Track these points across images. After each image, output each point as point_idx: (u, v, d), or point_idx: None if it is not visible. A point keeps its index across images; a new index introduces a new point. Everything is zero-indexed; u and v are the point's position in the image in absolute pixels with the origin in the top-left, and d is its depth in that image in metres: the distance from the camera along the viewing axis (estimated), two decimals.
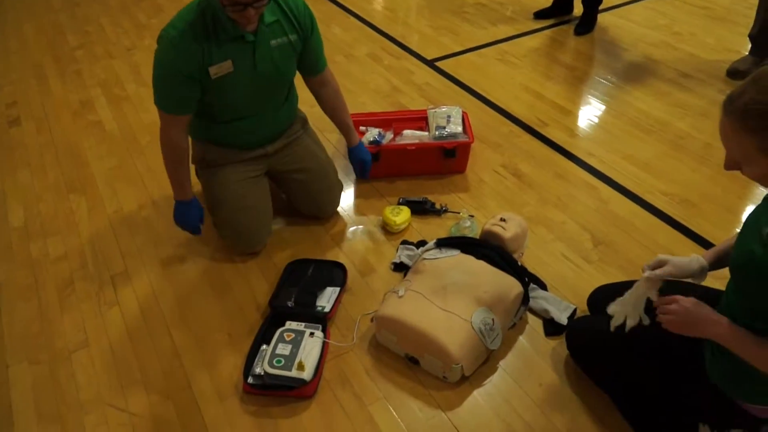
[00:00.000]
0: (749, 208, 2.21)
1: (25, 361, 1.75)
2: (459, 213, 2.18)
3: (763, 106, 1.03)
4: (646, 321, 1.34)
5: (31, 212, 2.30)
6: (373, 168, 2.25)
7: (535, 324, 1.80)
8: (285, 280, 1.93)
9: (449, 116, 2.41)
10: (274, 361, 1.60)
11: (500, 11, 3.82)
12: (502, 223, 1.89)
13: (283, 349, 1.64)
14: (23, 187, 2.43)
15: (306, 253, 2.07)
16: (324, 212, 2.19)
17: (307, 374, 1.58)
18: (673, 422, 1.40)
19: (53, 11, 4.00)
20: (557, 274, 1.96)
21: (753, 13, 3.00)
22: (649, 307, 1.33)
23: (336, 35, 3.57)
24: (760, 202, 1.23)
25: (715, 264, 1.37)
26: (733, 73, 2.98)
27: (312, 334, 1.69)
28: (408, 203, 2.21)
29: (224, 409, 1.60)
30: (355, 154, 2.11)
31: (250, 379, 1.62)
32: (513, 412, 1.57)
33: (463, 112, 2.46)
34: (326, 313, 1.79)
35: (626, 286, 1.71)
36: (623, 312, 1.37)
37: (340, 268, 1.97)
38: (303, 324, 1.73)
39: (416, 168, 2.38)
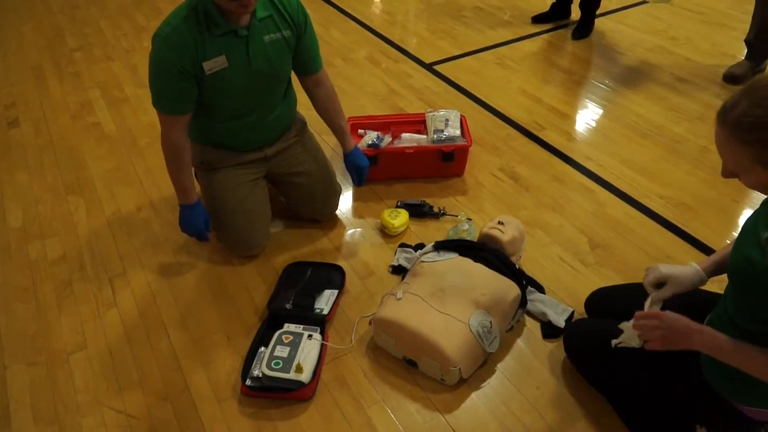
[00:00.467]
0: (745, 212, 2.22)
1: (22, 363, 1.75)
2: (457, 216, 2.19)
3: (756, 118, 1.04)
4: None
5: (30, 214, 2.30)
6: (372, 171, 2.25)
7: (532, 327, 1.81)
8: (283, 282, 1.93)
9: (447, 120, 2.42)
10: (272, 363, 1.61)
11: (498, 15, 3.83)
12: (500, 226, 1.89)
13: (282, 352, 1.64)
14: (22, 189, 2.43)
15: (304, 256, 2.07)
16: (322, 215, 2.20)
17: (305, 376, 1.59)
18: (670, 425, 1.41)
19: (52, 13, 4.01)
20: (554, 276, 1.96)
21: (748, 18, 3.01)
22: None
23: (335, 38, 3.58)
24: (756, 205, 1.24)
25: (714, 272, 1.38)
26: (730, 77, 3.00)
27: (310, 336, 1.70)
28: (406, 206, 2.22)
29: (222, 411, 1.60)
30: (351, 160, 2.10)
31: (248, 381, 1.62)
32: (511, 414, 1.58)
33: (462, 115, 2.47)
34: (324, 316, 1.80)
35: (623, 289, 1.72)
36: (628, 335, 1.37)
37: (339, 270, 1.98)
38: (301, 326, 1.73)
39: (414, 171, 2.39)
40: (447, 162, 2.34)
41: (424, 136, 2.42)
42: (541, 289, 1.91)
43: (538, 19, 3.71)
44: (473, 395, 1.62)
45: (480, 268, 1.75)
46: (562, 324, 1.78)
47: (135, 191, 2.40)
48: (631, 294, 1.61)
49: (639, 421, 1.48)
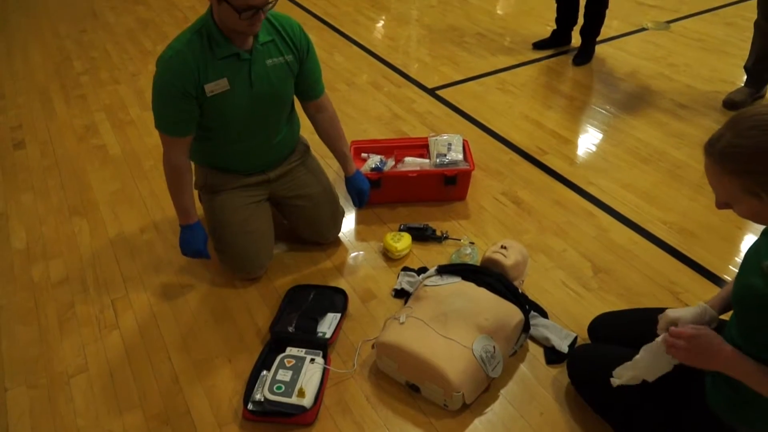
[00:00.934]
0: (747, 237, 2.23)
1: (23, 385, 1.74)
2: (460, 240, 2.19)
3: (739, 149, 1.06)
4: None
5: (34, 235, 2.30)
6: (375, 194, 2.27)
7: (536, 352, 1.80)
8: (286, 305, 1.93)
9: (450, 144, 2.44)
10: (274, 388, 1.60)
11: (499, 41, 3.88)
12: (503, 251, 1.90)
13: (284, 375, 1.63)
14: (26, 210, 2.44)
15: (307, 279, 2.07)
16: (325, 238, 2.20)
17: (307, 401, 1.58)
18: None
19: (60, 37, 4.07)
20: (558, 301, 1.96)
21: (747, 45, 3.05)
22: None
23: (338, 63, 3.63)
24: (758, 232, 1.24)
25: (724, 308, 1.38)
26: (729, 104, 3.03)
27: (313, 360, 1.69)
28: (409, 230, 2.23)
29: None
30: (352, 184, 2.12)
31: (250, 406, 1.61)
32: None
33: (464, 140, 2.49)
34: (327, 339, 1.79)
35: (627, 314, 1.72)
36: (633, 375, 1.36)
37: (341, 293, 1.97)
38: (304, 350, 1.73)
39: (417, 195, 2.40)
40: (450, 186, 2.36)
41: (427, 160, 2.44)
42: (544, 314, 1.90)
43: (538, 46, 3.76)
44: (476, 421, 1.61)
45: (483, 293, 1.75)
46: (565, 349, 1.77)
47: (139, 213, 2.41)
48: (634, 319, 1.62)
49: None
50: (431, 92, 3.29)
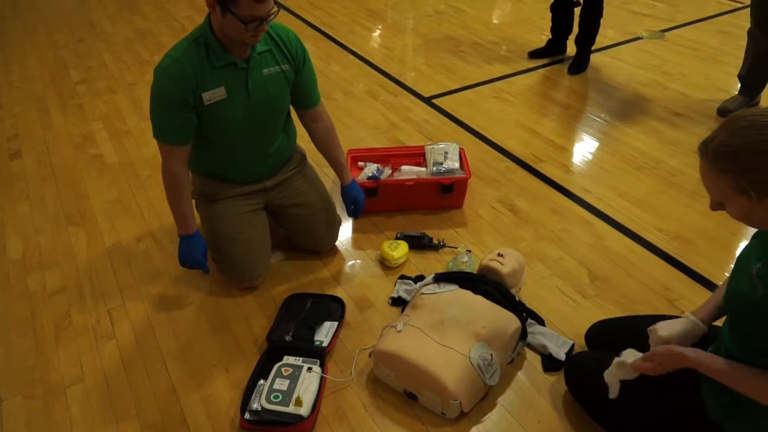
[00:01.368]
0: (742, 244, 2.23)
1: (19, 396, 1.73)
2: (457, 248, 2.20)
3: (732, 148, 1.08)
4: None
5: (30, 244, 2.30)
6: (372, 203, 2.27)
7: (533, 360, 1.80)
8: (283, 314, 1.93)
9: (446, 152, 2.45)
10: (271, 397, 1.59)
11: (495, 50, 3.91)
12: (500, 258, 1.90)
13: (281, 384, 1.63)
14: (22, 220, 2.44)
15: (304, 288, 2.07)
16: (322, 246, 2.20)
17: (304, 410, 1.57)
18: None
19: (57, 47, 4.08)
20: (554, 309, 1.96)
21: (741, 54, 3.08)
22: None
23: (335, 72, 3.64)
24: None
25: (713, 318, 1.39)
26: (724, 112, 3.05)
27: (310, 369, 1.69)
28: (406, 238, 2.23)
29: None
30: (347, 193, 2.12)
31: (247, 415, 1.60)
32: None
33: (460, 148, 2.50)
34: (324, 348, 1.79)
35: (623, 321, 1.72)
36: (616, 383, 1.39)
37: (339, 302, 1.97)
38: (301, 359, 1.72)
39: (414, 203, 2.40)
40: (446, 194, 2.36)
41: (424, 169, 2.44)
42: (541, 321, 1.91)
43: (534, 54, 3.78)
44: (474, 429, 1.61)
45: (480, 301, 1.75)
46: (562, 357, 1.77)
47: (136, 222, 2.41)
48: (631, 326, 1.62)
49: None
50: (427, 101, 3.30)
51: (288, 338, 1.82)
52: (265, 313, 1.98)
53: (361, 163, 2.48)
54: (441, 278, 1.86)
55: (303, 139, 2.16)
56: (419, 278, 2.08)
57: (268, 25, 1.72)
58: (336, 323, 1.89)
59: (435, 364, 1.58)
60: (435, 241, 2.24)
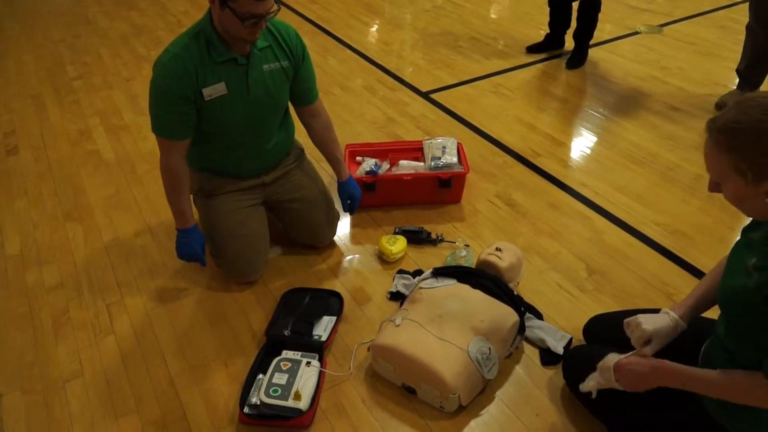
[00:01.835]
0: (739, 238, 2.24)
1: (18, 391, 1.73)
2: (455, 242, 2.20)
3: (740, 125, 1.09)
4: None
5: (28, 240, 2.30)
6: (370, 197, 2.27)
7: (531, 353, 1.81)
8: (281, 308, 1.93)
9: (444, 147, 2.45)
10: (270, 391, 1.60)
11: (493, 45, 3.90)
12: (498, 253, 1.90)
13: (280, 379, 1.63)
14: (20, 216, 2.43)
15: (302, 282, 2.08)
16: (321, 241, 2.20)
17: (303, 404, 1.58)
18: None
19: (53, 42, 4.06)
20: (553, 303, 1.97)
21: (739, 48, 3.08)
22: None
23: (332, 67, 3.64)
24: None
25: (693, 317, 1.39)
26: (722, 106, 3.04)
27: (308, 363, 1.69)
28: (404, 232, 2.23)
29: None
30: (344, 189, 2.12)
31: (246, 409, 1.61)
32: None
33: (458, 143, 2.50)
34: (323, 342, 1.79)
35: (621, 315, 1.72)
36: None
37: (337, 297, 1.98)
38: (299, 353, 1.73)
39: (412, 198, 2.40)
40: (444, 189, 2.36)
41: (422, 163, 2.44)
42: (539, 315, 1.91)
43: (532, 49, 3.78)
44: (472, 422, 1.61)
45: (478, 295, 1.76)
46: (560, 351, 1.77)
47: (133, 218, 2.40)
48: None
49: None
50: (425, 96, 3.30)
51: (286, 333, 1.82)
52: (263, 307, 1.98)
53: (359, 158, 2.48)
54: (439, 273, 1.86)
55: (302, 134, 2.16)
56: (417, 273, 2.08)
57: (266, 24, 1.72)
58: (334, 318, 1.89)
59: (433, 358, 1.58)
60: (433, 236, 2.24)
